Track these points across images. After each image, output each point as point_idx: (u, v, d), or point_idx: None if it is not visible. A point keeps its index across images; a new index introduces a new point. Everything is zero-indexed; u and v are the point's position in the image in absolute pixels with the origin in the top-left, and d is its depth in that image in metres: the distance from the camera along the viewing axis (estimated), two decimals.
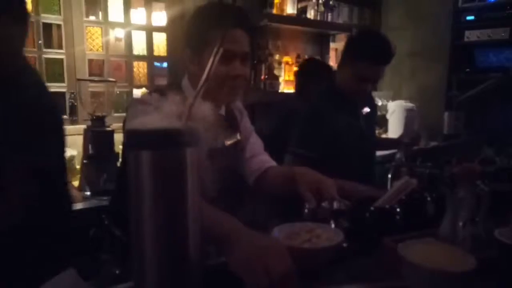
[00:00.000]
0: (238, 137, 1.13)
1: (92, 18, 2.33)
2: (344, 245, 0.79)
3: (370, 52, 1.45)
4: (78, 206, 1.56)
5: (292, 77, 2.56)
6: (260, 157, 1.18)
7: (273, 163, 1.19)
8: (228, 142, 1.09)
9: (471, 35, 2.56)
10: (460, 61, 2.61)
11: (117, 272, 0.87)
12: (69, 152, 1.90)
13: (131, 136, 0.59)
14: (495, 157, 1.40)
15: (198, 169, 0.60)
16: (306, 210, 0.91)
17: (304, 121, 1.53)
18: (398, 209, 0.91)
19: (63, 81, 2.19)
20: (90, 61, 2.28)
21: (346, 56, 1.55)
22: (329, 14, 2.67)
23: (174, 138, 0.58)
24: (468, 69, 2.59)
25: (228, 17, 0.98)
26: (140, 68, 2.80)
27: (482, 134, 2.01)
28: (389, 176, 1.24)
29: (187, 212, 0.59)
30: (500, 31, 2.47)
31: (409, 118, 1.71)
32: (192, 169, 0.59)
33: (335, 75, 1.64)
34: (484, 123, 2.13)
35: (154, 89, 1.18)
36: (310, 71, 2.11)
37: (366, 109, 1.68)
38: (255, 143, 1.21)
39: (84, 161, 1.78)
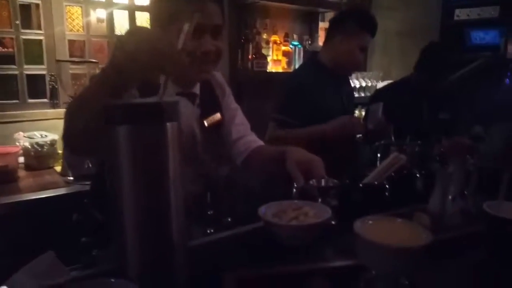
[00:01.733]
0: (219, 116, 1.07)
1: None
2: (332, 222, 0.77)
3: (363, 21, 1.61)
4: (61, 191, 1.53)
5: (280, 57, 2.51)
6: (247, 138, 1.14)
7: (260, 142, 1.16)
8: (208, 123, 1.03)
9: (461, 14, 2.54)
10: (451, 40, 2.60)
11: (99, 255, 0.85)
12: (51, 136, 1.85)
13: (109, 111, 0.56)
14: (483, 134, 1.41)
15: (178, 144, 0.58)
16: (294, 189, 0.89)
17: (288, 90, 1.62)
18: (387, 186, 0.90)
19: (42, 63, 2.10)
20: (71, 42, 2.19)
21: (338, 29, 1.65)
22: None
23: (153, 112, 0.56)
24: (458, 48, 2.58)
25: None
26: None
27: (471, 113, 2.02)
28: (378, 155, 1.23)
29: (169, 188, 0.57)
30: (490, 9, 2.45)
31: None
32: (172, 144, 0.57)
33: (320, 52, 1.73)
34: (474, 102, 2.13)
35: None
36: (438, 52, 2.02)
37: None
38: (242, 124, 1.16)
39: None
